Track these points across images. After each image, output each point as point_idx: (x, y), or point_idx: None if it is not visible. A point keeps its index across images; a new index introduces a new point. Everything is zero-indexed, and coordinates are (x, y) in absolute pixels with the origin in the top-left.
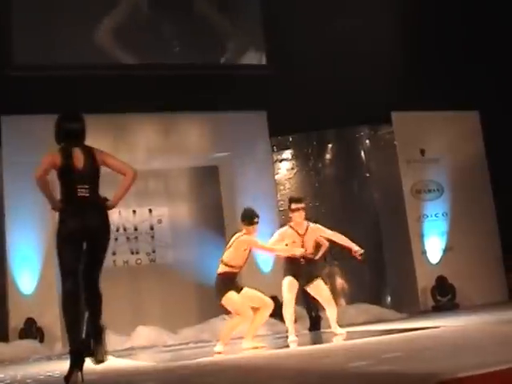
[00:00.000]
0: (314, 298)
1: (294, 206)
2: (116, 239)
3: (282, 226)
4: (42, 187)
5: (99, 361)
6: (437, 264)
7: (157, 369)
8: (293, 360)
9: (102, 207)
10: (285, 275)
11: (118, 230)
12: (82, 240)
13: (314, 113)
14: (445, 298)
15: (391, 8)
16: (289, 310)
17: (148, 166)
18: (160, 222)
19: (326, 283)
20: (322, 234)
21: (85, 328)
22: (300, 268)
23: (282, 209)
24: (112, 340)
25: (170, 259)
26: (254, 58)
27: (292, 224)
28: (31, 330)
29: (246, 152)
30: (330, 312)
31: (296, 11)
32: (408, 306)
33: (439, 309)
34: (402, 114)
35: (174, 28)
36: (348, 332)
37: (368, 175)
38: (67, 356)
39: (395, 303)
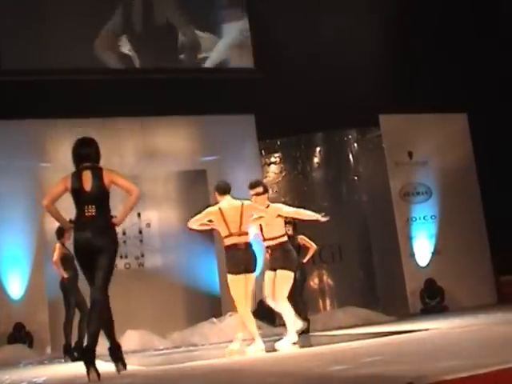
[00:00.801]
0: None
1: (252, 191)
2: None
3: None
4: (50, 213)
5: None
6: (425, 267)
7: (146, 373)
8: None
9: (107, 225)
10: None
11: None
12: (90, 255)
13: (302, 116)
14: (433, 301)
15: (378, 10)
16: None
17: (136, 169)
18: (148, 225)
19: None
20: (282, 212)
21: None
22: (271, 258)
23: None
24: (101, 344)
25: (158, 263)
26: (241, 61)
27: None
28: (20, 335)
29: (235, 156)
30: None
31: (283, 14)
32: (397, 309)
33: (428, 311)
34: (389, 117)
35: (160, 31)
36: (334, 335)
37: (356, 178)
38: (57, 360)
39: (384, 306)
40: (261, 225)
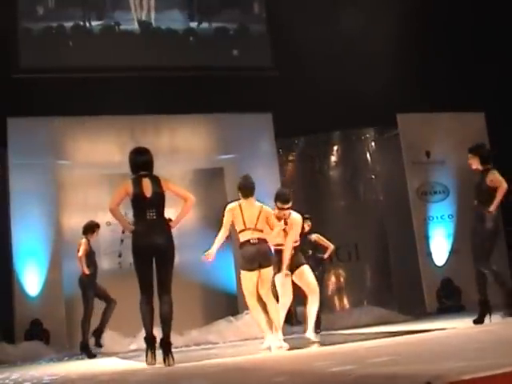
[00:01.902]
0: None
1: (280, 205)
2: (122, 241)
3: None
4: (114, 216)
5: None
6: (442, 266)
7: (159, 370)
8: (286, 362)
9: (166, 227)
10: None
11: (123, 232)
12: (152, 255)
13: (319, 115)
14: (450, 301)
15: (396, 8)
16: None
17: (154, 168)
18: (108, 224)
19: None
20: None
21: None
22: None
23: None
24: (117, 341)
25: (176, 260)
26: (259, 59)
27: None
28: (37, 332)
29: (252, 154)
30: (312, 305)
31: (302, 12)
32: (413, 308)
33: (444, 311)
34: (407, 116)
35: (178, 29)
36: (350, 334)
37: (373, 177)
38: (75, 357)
39: (400, 305)
40: None
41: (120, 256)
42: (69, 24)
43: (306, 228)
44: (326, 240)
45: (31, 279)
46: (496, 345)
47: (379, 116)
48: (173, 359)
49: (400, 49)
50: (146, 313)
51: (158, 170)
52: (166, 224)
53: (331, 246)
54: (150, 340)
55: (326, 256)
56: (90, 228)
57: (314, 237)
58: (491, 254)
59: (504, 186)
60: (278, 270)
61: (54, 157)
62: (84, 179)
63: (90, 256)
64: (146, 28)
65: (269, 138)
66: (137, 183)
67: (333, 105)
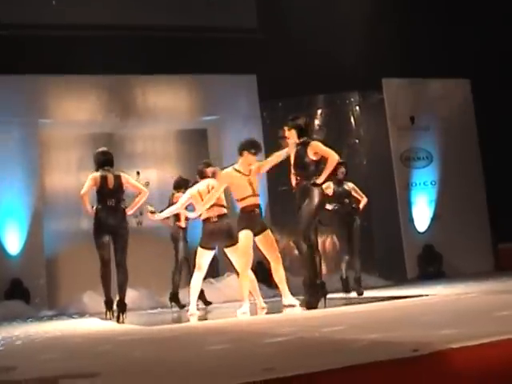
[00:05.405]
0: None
1: (254, 150)
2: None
3: (269, 188)
4: (83, 201)
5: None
6: (424, 232)
7: (143, 331)
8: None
9: (122, 213)
10: (240, 227)
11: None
12: (109, 234)
13: (304, 78)
14: (431, 267)
15: None
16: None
17: (136, 128)
18: (147, 184)
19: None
20: (263, 169)
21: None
22: (253, 218)
23: None
24: (96, 302)
25: (157, 222)
26: (244, 21)
27: (237, 166)
28: (17, 291)
29: (236, 115)
30: (279, 272)
31: None
32: (394, 274)
33: (425, 277)
34: (392, 81)
35: None
36: (329, 299)
37: (357, 141)
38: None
39: (381, 270)
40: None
41: (141, 214)
42: None
43: (340, 175)
44: (360, 192)
45: (12, 238)
46: (478, 313)
47: (364, 80)
48: (124, 318)
49: (387, 11)
50: (105, 281)
51: (142, 129)
52: (122, 210)
53: (365, 199)
54: (108, 302)
55: (361, 207)
56: (184, 184)
57: (351, 185)
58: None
59: (335, 157)
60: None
61: (36, 115)
62: (66, 138)
63: None
64: None
65: (253, 100)
66: (102, 177)
67: (318, 68)
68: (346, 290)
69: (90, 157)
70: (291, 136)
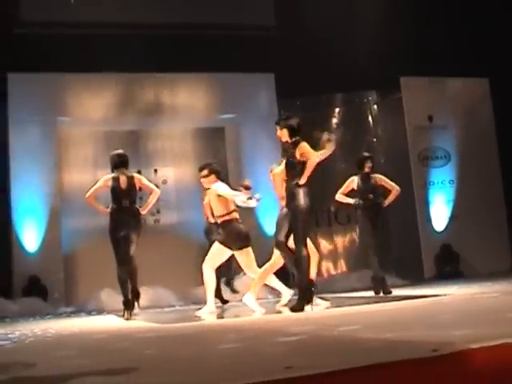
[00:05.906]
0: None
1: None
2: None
3: None
4: (89, 203)
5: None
6: (442, 232)
7: (158, 329)
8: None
9: (136, 213)
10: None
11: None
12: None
13: (322, 76)
14: (448, 266)
15: None
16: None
17: (154, 126)
18: (165, 182)
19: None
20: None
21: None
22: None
23: None
24: (114, 300)
25: (174, 220)
26: (263, 19)
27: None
28: (35, 288)
29: (253, 114)
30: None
31: None
32: (412, 274)
33: (443, 277)
34: (410, 80)
35: None
36: (348, 298)
37: (375, 140)
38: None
39: (398, 270)
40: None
41: (158, 212)
42: None
43: (367, 169)
44: (389, 181)
45: (30, 236)
46: (497, 313)
47: (382, 79)
48: (138, 305)
49: (406, 10)
50: (122, 282)
51: (160, 127)
52: (136, 210)
53: (396, 188)
54: (127, 302)
55: (386, 203)
56: None
57: (380, 177)
58: (308, 231)
59: (314, 158)
60: None
61: (54, 113)
62: (84, 136)
63: None
64: None
65: (270, 99)
66: (115, 178)
67: (336, 67)
68: (384, 290)
69: (107, 154)
70: (283, 135)
